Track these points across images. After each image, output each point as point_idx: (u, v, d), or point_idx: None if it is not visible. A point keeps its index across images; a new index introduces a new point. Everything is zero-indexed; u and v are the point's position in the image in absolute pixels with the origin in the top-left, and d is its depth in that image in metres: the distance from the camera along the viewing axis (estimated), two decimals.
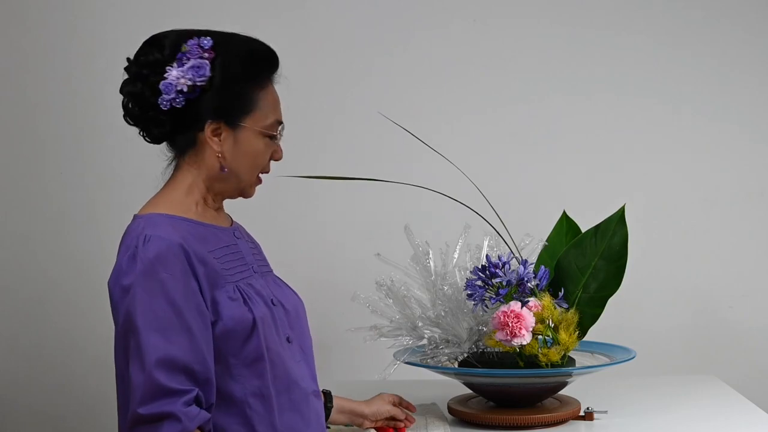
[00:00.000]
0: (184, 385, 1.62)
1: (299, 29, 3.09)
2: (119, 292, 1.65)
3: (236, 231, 1.86)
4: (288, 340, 1.81)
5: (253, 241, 1.93)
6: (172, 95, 1.71)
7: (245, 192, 1.82)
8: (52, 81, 3.12)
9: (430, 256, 2.30)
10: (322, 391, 2.02)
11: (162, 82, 1.71)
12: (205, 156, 1.76)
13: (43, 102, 3.13)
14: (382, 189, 2.60)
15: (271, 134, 1.78)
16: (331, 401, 2.06)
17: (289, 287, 1.92)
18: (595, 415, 2.25)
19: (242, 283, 1.76)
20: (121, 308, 1.65)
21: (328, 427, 2.04)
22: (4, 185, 3.15)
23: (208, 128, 1.74)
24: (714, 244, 3.18)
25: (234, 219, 1.92)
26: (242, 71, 1.75)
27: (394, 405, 2.16)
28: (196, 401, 1.64)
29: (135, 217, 1.76)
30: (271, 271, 1.92)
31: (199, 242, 1.71)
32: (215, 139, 1.75)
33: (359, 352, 2.19)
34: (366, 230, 3.11)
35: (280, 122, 1.80)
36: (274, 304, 1.80)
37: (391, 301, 2.28)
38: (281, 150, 1.82)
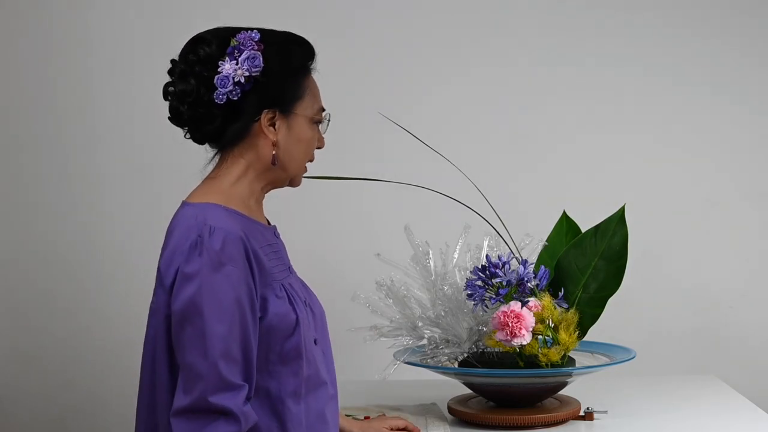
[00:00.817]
0: (239, 379, 1.66)
1: (298, 29, 3.08)
2: (181, 278, 1.67)
3: (275, 230, 1.89)
4: (315, 342, 1.83)
5: (283, 242, 1.97)
6: (229, 88, 1.74)
7: (294, 181, 1.86)
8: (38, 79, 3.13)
9: (430, 256, 2.30)
10: None
11: (216, 76, 1.74)
12: (258, 146, 1.79)
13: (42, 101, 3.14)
14: (382, 189, 2.60)
15: (319, 120, 1.84)
16: None
17: (312, 291, 1.94)
18: (595, 415, 2.25)
19: (285, 282, 1.80)
20: (182, 294, 1.66)
21: None
22: (4, 186, 3.15)
23: (265, 117, 1.77)
24: (714, 244, 3.18)
25: None
26: (290, 60, 1.80)
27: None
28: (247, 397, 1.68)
29: (185, 203, 1.78)
30: (296, 273, 1.95)
31: (252, 237, 1.75)
32: (271, 128, 1.79)
33: (359, 352, 2.20)
34: (366, 230, 3.12)
35: (324, 109, 1.86)
36: (305, 305, 1.83)
37: (391, 301, 2.28)
38: (323, 138, 1.87)
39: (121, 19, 3.13)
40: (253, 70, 1.74)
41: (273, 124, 1.78)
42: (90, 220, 3.14)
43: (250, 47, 1.76)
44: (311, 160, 1.87)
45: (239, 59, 1.74)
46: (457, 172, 2.52)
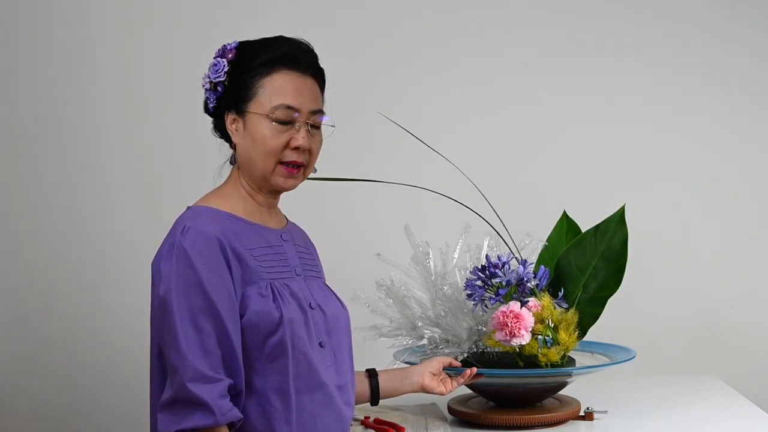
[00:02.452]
0: (218, 372, 1.70)
1: (298, 29, 3.08)
2: (157, 276, 1.75)
3: (285, 234, 1.92)
4: (321, 344, 1.85)
5: (307, 247, 2.00)
6: (206, 95, 1.87)
7: (270, 181, 1.86)
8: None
9: (430, 256, 2.30)
10: (367, 370, 2.13)
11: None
12: (236, 149, 1.87)
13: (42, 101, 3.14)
14: (382, 189, 2.60)
15: (276, 117, 1.83)
16: (375, 375, 2.14)
17: (336, 296, 1.97)
18: (595, 415, 2.25)
19: (278, 282, 1.82)
20: (156, 291, 1.75)
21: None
22: (4, 186, 3.14)
23: (227, 120, 1.85)
24: (714, 244, 3.18)
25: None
26: (249, 62, 1.84)
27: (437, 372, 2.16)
28: (229, 390, 1.72)
29: (187, 208, 1.85)
30: (320, 277, 1.98)
31: (237, 238, 1.79)
32: (233, 129, 1.85)
33: (359, 352, 2.19)
34: (366, 230, 3.11)
35: (289, 107, 1.83)
36: (312, 308, 1.85)
37: (391, 301, 2.29)
38: (301, 137, 1.84)
39: (122, 20, 3.13)
40: (213, 76, 1.84)
41: (235, 125, 1.85)
42: (90, 220, 3.14)
43: (217, 56, 1.85)
44: (287, 161, 1.85)
45: (209, 68, 1.86)
46: (457, 172, 2.52)
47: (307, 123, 1.85)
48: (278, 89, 1.83)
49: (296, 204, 3.00)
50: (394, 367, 2.25)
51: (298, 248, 1.93)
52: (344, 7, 3.15)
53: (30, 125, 3.14)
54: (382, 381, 2.13)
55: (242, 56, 1.84)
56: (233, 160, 1.88)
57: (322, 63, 1.91)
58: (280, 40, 1.87)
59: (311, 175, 1.95)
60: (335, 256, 3.12)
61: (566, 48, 3.17)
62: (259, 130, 1.82)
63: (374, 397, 2.14)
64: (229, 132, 1.85)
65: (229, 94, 1.84)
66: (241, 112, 1.83)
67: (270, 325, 1.77)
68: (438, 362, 2.16)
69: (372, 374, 2.14)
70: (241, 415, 1.73)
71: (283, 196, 1.95)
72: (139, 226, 3.08)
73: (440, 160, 2.48)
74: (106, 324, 3.12)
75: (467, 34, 3.17)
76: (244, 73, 1.83)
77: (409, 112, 2.84)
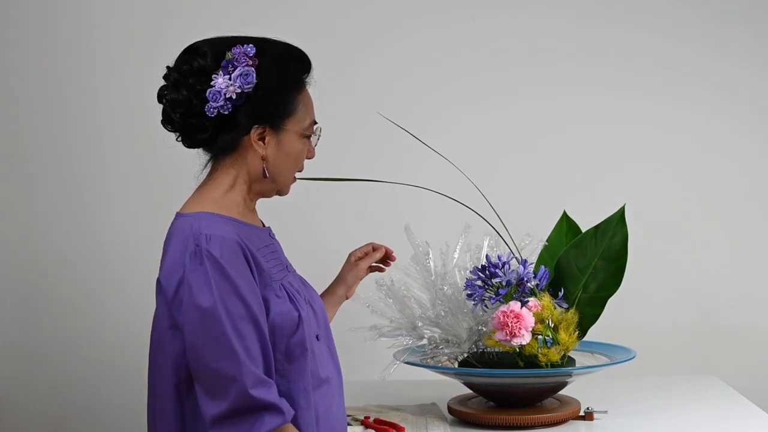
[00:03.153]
0: (270, 376, 1.70)
1: (298, 29, 3.08)
2: (187, 288, 1.69)
3: (270, 231, 1.91)
4: (317, 338, 1.85)
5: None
6: (220, 103, 1.75)
7: (283, 191, 1.87)
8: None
9: (430, 256, 2.30)
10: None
11: (209, 90, 1.75)
12: (248, 158, 1.80)
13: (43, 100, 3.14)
14: (382, 189, 2.60)
15: (309, 134, 1.84)
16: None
17: (312, 287, 1.96)
18: (595, 415, 2.25)
19: (284, 282, 1.82)
20: (191, 303, 1.68)
21: None
22: (4, 187, 3.15)
23: (254, 132, 1.78)
24: (714, 244, 3.18)
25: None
26: (283, 76, 1.79)
27: (362, 257, 2.19)
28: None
29: (179, 214, 1.79)
30: (296, 271, 1.96)
31: (249, 241, 1.77)
32: (260, 142, 1.79)
33: (359, 352, 2.20)
34: (366, 230, 3.11)
35: (315, 122, 1.86)
36: (307, 303, 1.85)
37: (391, 301, 2.29)
38: (314, 149, 1.87)
39: (124, 20, 3.13)
40: (245, 86, 1.75)
41: (263, 138, 1.79)
42: (90, 220, 3.14)
43: (244, 63, 1.75)
44: (300, 170, 1.88)
45: (232, 75, 1.75)
46: (457, 172, 2.52)
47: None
48: (309, 105, 1.84)
49: (296, 204, 3.01)
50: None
51: (278, 244, 1.93)
52: (345, 7, 3.15)
53: (31, 126, 3.14)
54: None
55: (271, 67, 1.77)
56: (265, 174, 1.81)
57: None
58: (299, 51, 1.84)
59: (312, 176, 1.95)
60: (335, 256, 3.13)
61: (567, 48, 3.17)
62: (294, 147, 1.81)
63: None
64: (253, 144, 1.78)
65: (262, 107, 1.77)
66: (276, 127, 1.79)
67: (291, 326, 1.77)
68: (351, 263, 2.18)
69: None
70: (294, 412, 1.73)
71: (282, 197, 1.95)
72: (141, 227, 3.08)
73: (440, 160, 2.48)
74: (106, 324, 3.12)
75: (467, 34, 3.17)
76: (280, 87, 1.78)
77: (409, 113, 2.84)
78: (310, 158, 1.87)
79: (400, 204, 2.97)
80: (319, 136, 1.88)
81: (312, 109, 1.85)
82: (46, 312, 3.14)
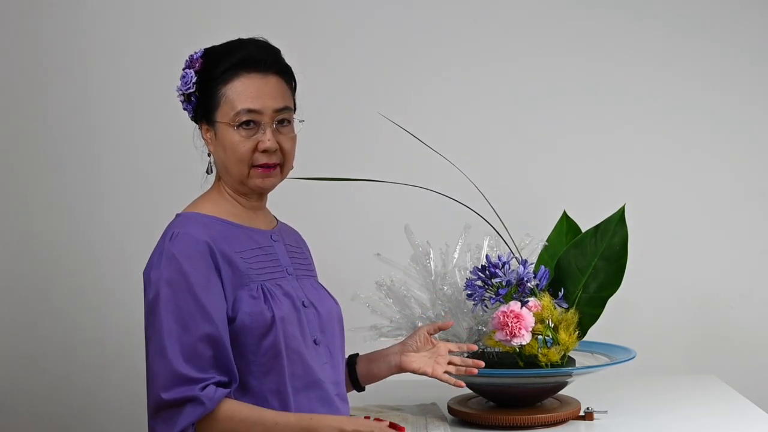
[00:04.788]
0: (206, 372, 1.72)
1: (298, 30, 3.09)
2: (146, 283, 1.77)
3: (275, 234, 1.92)
4: (315, 342, 1.86)
5: (299, 246, 2.00)
6: (183, 107, 1.88)
7: (248, 184, 1.87)
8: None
9: (430, 256, 2.30)
10: (349, 356, 2.10)
11: None
12: (212, 158, 1.89)
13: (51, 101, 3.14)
14: (382, 189, 2.60)
15: (239, 123, 1.82)
16: (353, 362, 2.10)
17: (329, 293, 1.97)
18: (595, 415, 2.25)
19: (270, 283, 1.83)
20: (146, 298, 1.77)
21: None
22: (4, 187, 3.14)
23: (202, 131, 1.87)
24: (714, 244, 3.18)
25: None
26: (210, 72, 1.84)
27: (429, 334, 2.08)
28: (218, 385, 1.73)
29: (176, 215, 1.86)
30: (312, 276, 1.99)
31: (227, 242, 1.81)
32: (207, 139, 1.87)
33: (359, 352, 2.19)
34: (366, 230, 3.11)
35: (250, 110, 1.82)
36: (305, 306, 1.86)
37: (391, 301, 2.29)
38: (267, 139, 1.83)
39: (120, 22, 3.13)
40: (184, 89, 1.85)
41: (209, 135, 1.86)
42: (86, 222, 3.14)
43: (185, 66, 1.86)
44: (260, 164, 1.84)
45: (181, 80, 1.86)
46: (457, 172, 2.52)
47: (272, 123, 1.84)
48: (238, 95, 1.82)
49: (296, 204, 3.01)
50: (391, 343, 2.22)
51: (289, 248, 1.94)
52: (345, 7, 3.14)
53: (25, 128, 3.14)
54: (361, 367, 2.10)
55: (206, 65, 1.84)
56: (210, 170, 1.89)
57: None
58: (238, 44, 1.86)
59: (312, 176, 1.96)
60: (335, 256, 3.13)
61: (567, 48, 3.17)
62: (227, 138, 1.83)
63: (355, 385, 2.11)
64: (205, 141, 1.87)
65: (199, 105, 1.85)
66: (210, 122, 1.84)
67: (263, 326, 1.78)
68: (422, 334, 2.06)
69: (349, 361, 2.10)
70: (227, 390, 1.73)
71: (284, 197, 1.96)
72: (136, 229, 3.08)
73: (440, 160, 2.48)
74: (103, 325, 3.12)
75: (468, 34, 3.16)
76: (209, 83, 1.83)
77: (409, 113, 2.84)
78: (263, 150, 1.83)
79: (400, 204, 2.97)
80: (282, 123, 1.84)
81: (243, 97, 1.82)
82: (42, 314, 3.14)
